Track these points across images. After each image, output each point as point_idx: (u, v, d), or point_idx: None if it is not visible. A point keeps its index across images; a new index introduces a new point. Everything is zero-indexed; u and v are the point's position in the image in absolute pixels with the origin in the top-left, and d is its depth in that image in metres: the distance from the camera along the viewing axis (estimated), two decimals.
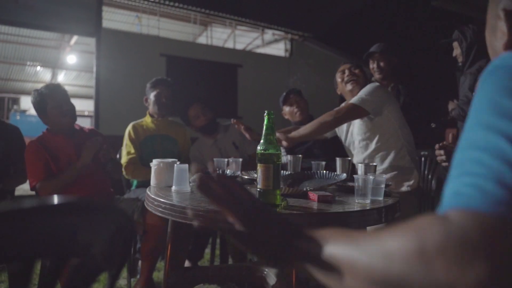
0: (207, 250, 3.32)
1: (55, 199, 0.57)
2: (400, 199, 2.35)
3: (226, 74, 7.67)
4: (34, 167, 2.42)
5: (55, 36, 9.68)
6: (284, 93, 3.30)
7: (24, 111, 13.71)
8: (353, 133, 2.57)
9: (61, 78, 13.29)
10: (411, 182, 2.41)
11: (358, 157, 2.54)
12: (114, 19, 8.10)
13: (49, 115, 2.52)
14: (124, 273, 2.84)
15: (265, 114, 1.43)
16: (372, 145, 2.45)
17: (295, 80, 7.80)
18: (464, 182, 0.48)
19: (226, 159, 2.30)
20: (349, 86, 2.60)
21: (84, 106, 13.78)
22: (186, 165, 1.75)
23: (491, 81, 0.54)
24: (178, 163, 1.93)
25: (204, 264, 3.20)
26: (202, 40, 9.78)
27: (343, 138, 2.70)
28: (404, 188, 2.40)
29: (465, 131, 0.53)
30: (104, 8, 6.64)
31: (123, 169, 2.83)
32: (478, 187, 0.46)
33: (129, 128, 2.98)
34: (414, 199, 2.45)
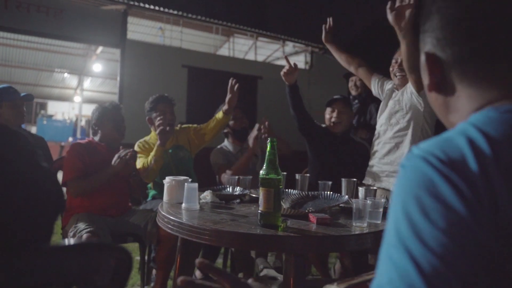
0: (220, 260, 3.42)
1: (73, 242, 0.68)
2: None
3: (246, 85, 7.78)
4: (73, 164, 2.58)
5: (82, 45, 10.01)
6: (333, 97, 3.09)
7: (50, 116, 14.15)
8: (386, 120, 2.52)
9: (87, 84, 13.68)
10: None
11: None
12: (138, 30, 8.34)
13: (105, 127, 2.77)
14: (138, 281, 2.96)
15: (268, 141, 1.53)
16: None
17: (315, 93, 7.87)
18: None
19: (236, 177, 2.41)
20: (396, 80, 2.51)
21: None
22: (196, 184, 1.86)
23: (403, 185, 0.54)
24: (189, 180, 2.05)
25: None
26: (224, 51, 9.96)
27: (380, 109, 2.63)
28: None
29: (386, 229, 0.55)
30: (129, 19, 6.87)
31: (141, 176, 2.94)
32: None
33: (137, 145, 3.04)
34: None
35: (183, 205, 1.85)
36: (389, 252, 0.51)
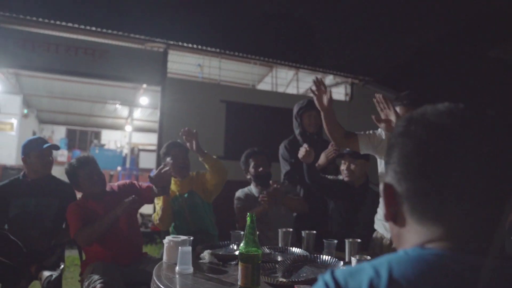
0: None
1: None
2: None
3: (284, 119, 7.80)
4: (73, 220, 2.64)
5: None
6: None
7: (102, 145, 14.90)
8: None
9: (137, 114, 14.31)
10: None
11: None
12: (177, 66, 8.61)
13: (81, 184, 2.78)
14: None
15: (248, 215, 1.54)
16: None
17: (354, 126, 7.75)
18: None
19: (242, 232, 2.42)
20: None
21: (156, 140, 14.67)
22: (190, 248, 1.89)
23: None
24: (191, 238, 2.09)
25: None
26: (266, 84, 10.04)
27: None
28: None
29: None
30: (170, 53, 7.13)
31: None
32: None
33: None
34: None
35: (177, 268, 1.87)
36: None
